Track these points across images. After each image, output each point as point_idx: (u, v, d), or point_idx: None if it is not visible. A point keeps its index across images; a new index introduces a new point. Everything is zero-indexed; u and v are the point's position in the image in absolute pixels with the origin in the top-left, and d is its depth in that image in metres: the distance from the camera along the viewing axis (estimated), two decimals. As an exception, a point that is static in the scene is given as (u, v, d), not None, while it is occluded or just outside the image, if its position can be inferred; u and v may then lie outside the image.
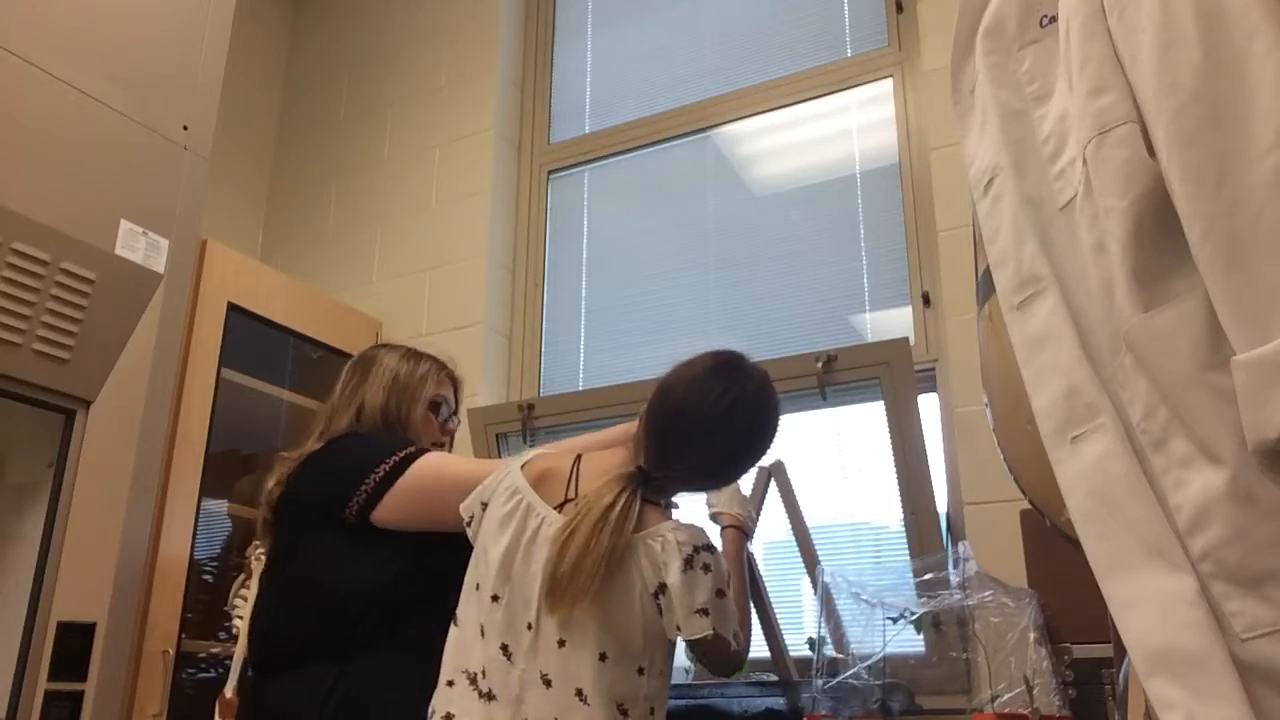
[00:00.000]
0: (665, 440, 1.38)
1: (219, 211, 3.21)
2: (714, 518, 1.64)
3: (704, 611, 1.28)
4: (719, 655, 1.38)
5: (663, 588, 1.29)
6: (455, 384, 1.87)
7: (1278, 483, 0.72)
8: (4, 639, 1.66)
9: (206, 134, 2.04)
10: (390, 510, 1.55)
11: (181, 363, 2.33)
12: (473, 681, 1.33)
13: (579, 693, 1.27)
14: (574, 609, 1.29)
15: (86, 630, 1.72)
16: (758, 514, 2.05)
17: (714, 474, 1.47)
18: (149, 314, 1.87)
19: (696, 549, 1.31)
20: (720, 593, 1.30)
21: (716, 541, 1.42)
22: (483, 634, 1.34)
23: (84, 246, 1.77)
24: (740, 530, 1.61)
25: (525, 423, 2.65)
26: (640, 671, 1.30)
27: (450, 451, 1.88)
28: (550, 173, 3.29)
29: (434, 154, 3.33)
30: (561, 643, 1.29)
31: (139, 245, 1.86)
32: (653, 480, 1.36)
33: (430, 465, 1.58)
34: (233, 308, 2.60)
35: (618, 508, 1.30)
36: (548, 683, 1.28)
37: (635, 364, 2.89)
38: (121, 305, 1.83)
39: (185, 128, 2.00)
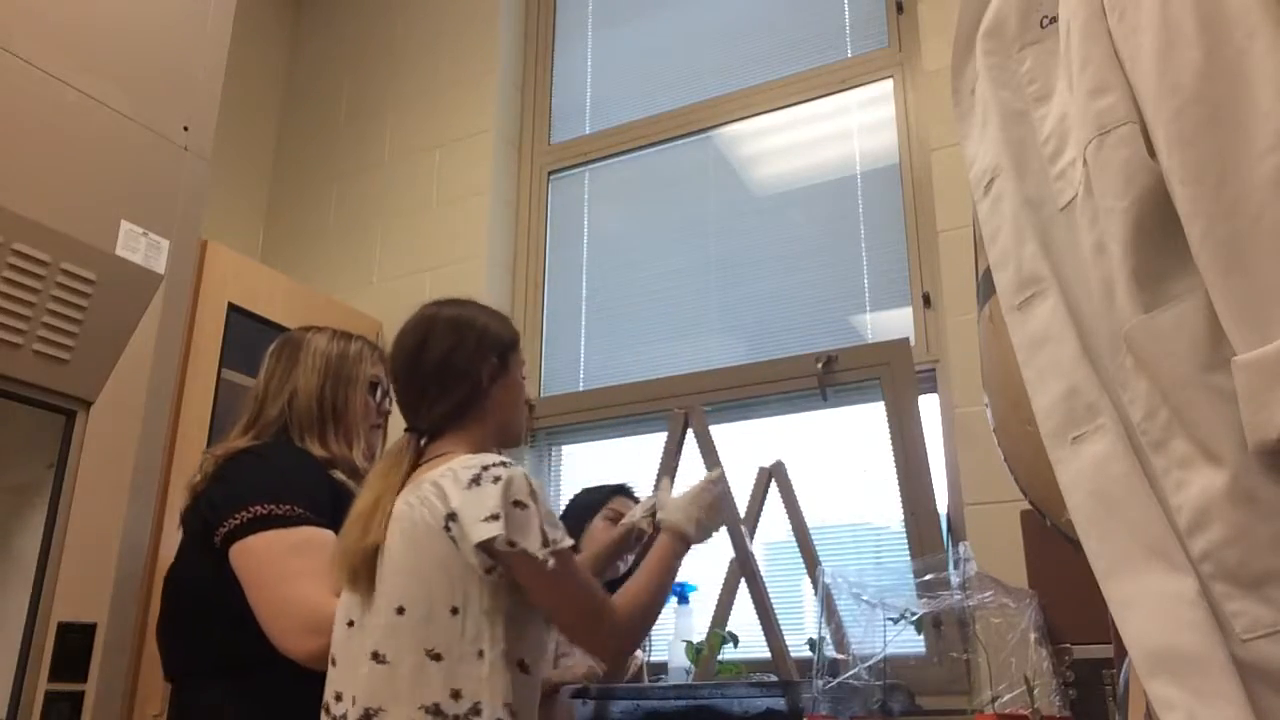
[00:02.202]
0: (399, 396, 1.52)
1: (219, 212, 3.21)
2: (659, 523, 1.64)
3: (494, 517, 1.25)
4: (552, 593, 1.30)
5: (452, 515, 1.28)
6: (385, 364, 1.80)
7: (1278, 483, 0.71)
8: (4, 639, 1.66)
9: (207, 134, 2.04)
10: (233, 558, 1.52)
11: (182, 363, 2.33)
12: (327, 711, 1.35)
13: (375, 655, 1.27)
14: (360, 577, 1.31)
15: (87, 630, 1.72)
16: (757, 514, 2.05)
17: (410, 401, 1.49)
18: (149, 315, 1.87)
19: (485, 467, 1.30)
20: (519, 504, 1.27)
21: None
22: (335, 663, 1.36)
23: (84, 247, 1.77)
24: (678, 536, 1.58)
25: (526, 423, 2.65)
26: (454, 612, 1.27)
27: (385, 434, 1.84)
28: (550, 173, 3.29)
29: (434, 155, 3.33)
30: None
31: (139, 246, 1.86)
32: (421, 431, 1.45)
33: (261, 549, 1.49)
34: (233, 308, 2.60)
35: (382, 467, 1.40)
36: (371, 666, 1.29)
37: (635, 364, 2.89)
38: (122, 306, 1.83)
39: (186, 128, 2.00)
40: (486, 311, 1.57)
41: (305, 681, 1.45)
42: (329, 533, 1.51)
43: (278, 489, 1.54)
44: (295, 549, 1.49)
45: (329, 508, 1.56)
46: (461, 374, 1.46)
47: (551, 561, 1.27)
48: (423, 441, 1.45)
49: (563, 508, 2.23)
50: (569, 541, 1.31)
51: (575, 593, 1.33)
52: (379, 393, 1.77)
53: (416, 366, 1.47)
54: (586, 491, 2.23)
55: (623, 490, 2.18)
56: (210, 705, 1.53)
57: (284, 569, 1.47)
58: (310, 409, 1.68)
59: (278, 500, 1.51)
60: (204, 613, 1.57)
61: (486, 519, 1.25)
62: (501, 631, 1.27)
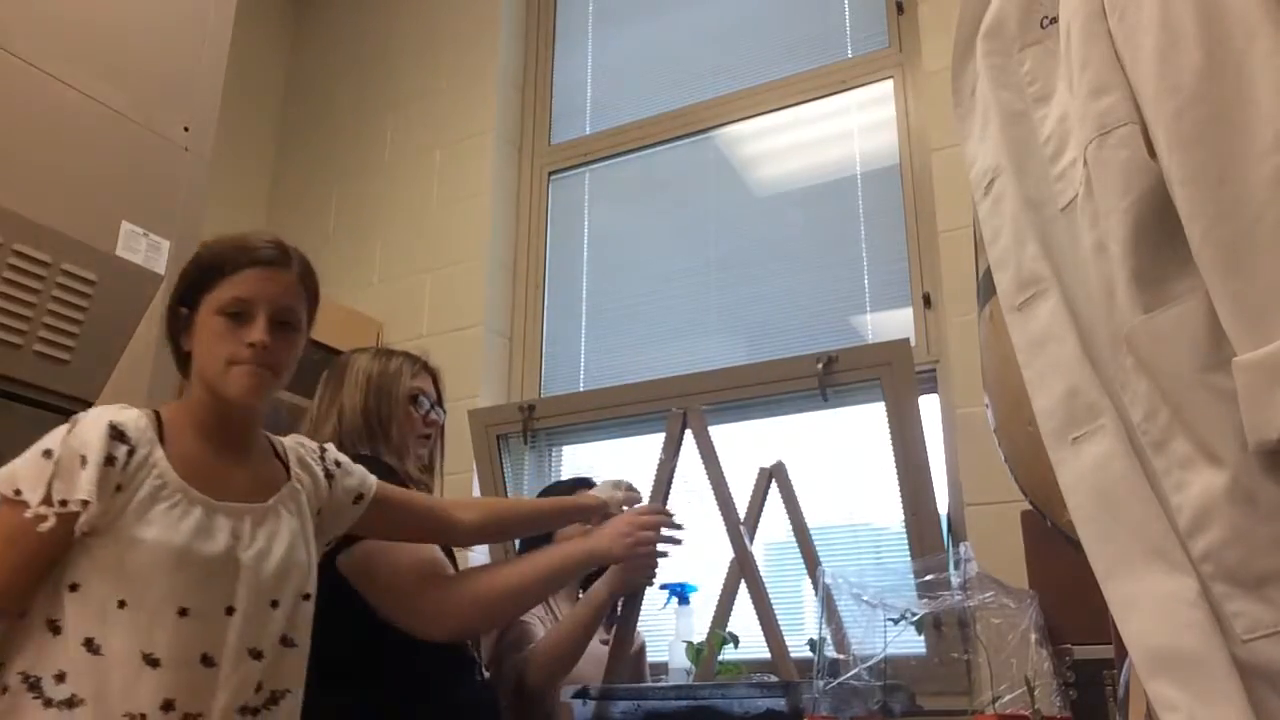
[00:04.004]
0: None
1: (220, 213, 3.21)
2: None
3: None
4: None
5: None
6: (433, 375, 1.84)
7: (1278, 484, 0.71)
8: (4, 640, 1.66)
9: (207, 135, 2.04)
10: (349, 564, 1.54)
11: (182, 364, 2.33)
12: None
13: None
14: None
15: (87, 631, 1.71)
16: (757, 514, 2.05)
17: None
18: (149, 315, 1.87)
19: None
20: (47, 452, 1.17)
21: None
22: None
23: (85, 248, 1.77)
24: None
25: (526, 424, 2.65)
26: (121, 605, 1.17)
27: (441, 446, 1.86)
28: (551, 174, 3.29)
29: (435, 155, 3.33)
30: None
31: (140, 246, 1.86)
32: None
33: (377, 553, 1.54)
34: (233, 309, 2.60)
35: None
36: None
37: (635, 364, 2.89)
38: (122, 306, 1.83)
39: (186, 129, 2.00)
40: (209, 245, 1.38)
41: (402, 697, 1.47)
42: None
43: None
44: (407, 548, 1.55)
45: None
46: (168, 337, 1.35)
47: (50, 520, 1.14)
48: None
49: None
50: (80, 505, 1.15)
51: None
52: (425, 404, 1.78)
53: None
54: (548, 489, 2.24)
55: (584, 483, 2.19)
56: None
57: (403, 562, 1.53)
58: (358, 424, 1.70)
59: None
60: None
61: None
62: (64, 602, 1.17)
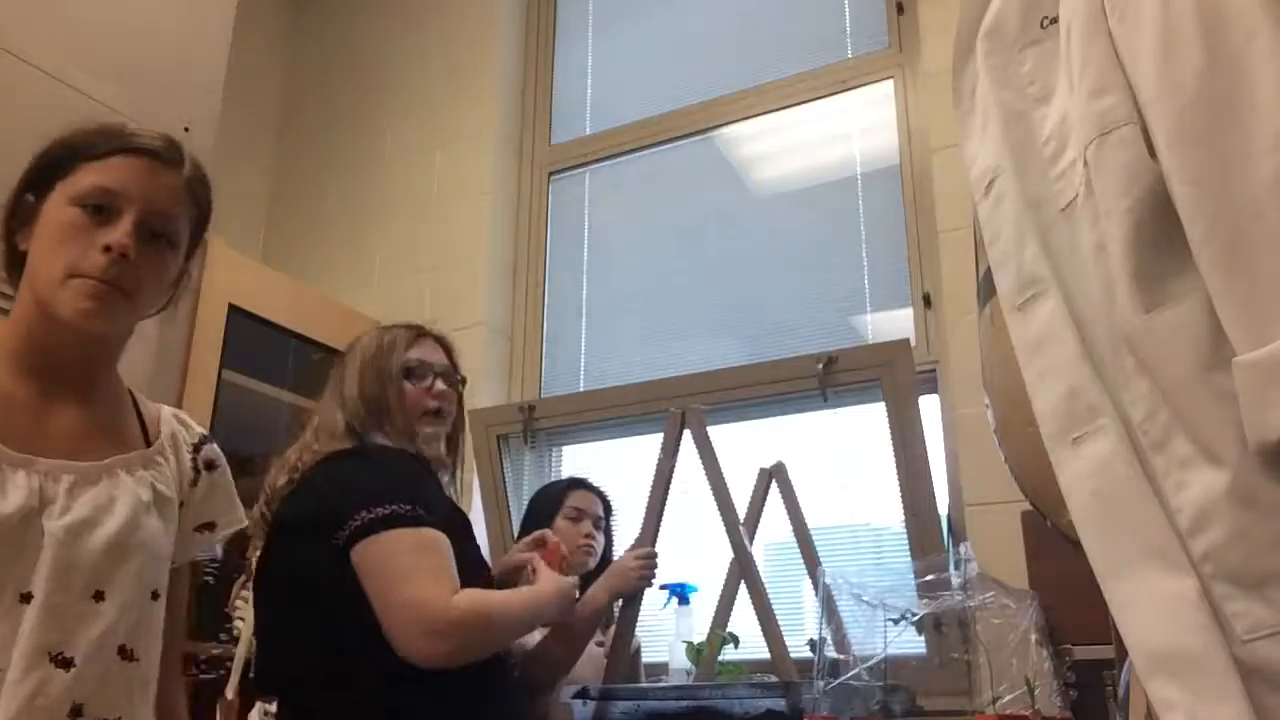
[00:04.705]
0: None
1: (220, 213, 3.18)
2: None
3: None
4: None
5: None
6: (441, 342, 1.70)
7: (1278, 484, 0.71)
8: (4, 640, 1.65)
9: (208, 135, 2.05)
10: (358, 556, 1.41)
11: (183, 364, 2.33)
12: None
13: None
14: None
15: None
16: (757, 515, 2.05)
17: None
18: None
19: None
20: None
21: None
22: None
23: (85, 247, 1.76)
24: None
25: (526, 424, 2.65)
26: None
27: (462, 420, 1.73)
28: (551, 174, 3.30)
29: (435, 155, 3.33)
30: None
31: (140, 246, 1.86)
32: None
33: (389, 547, 1.39)
34: (234, 309, 2.60)
35: None
36: None
37: (635, 364, 2.89)
38: (122, 306, 1.83)
39: (186, 129, 1.99)
40: (88, 125, 1.07)
41: (439, 697, 1.40)
42: (445, 538, 1.44)
43: (398, 489, 1.45)
44: (421, 548, 1.40)
45: (442, 508, 1.50)
46: (3, 235, 1.06)
47: None
48: None
49: (523, 511, 2.23)
50: None
51: None
52: (428, 376, 1.63)
53: None
54: (542, 491, 2.23)
55: (577, 484, 2.18)
56: (345, 713, 1.41)
57: (408, 567, 1.38)
58: (360, 410, 1.59)
59: (399, 500, 1.43)
60: (322, 617, 1.44)
61: None
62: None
